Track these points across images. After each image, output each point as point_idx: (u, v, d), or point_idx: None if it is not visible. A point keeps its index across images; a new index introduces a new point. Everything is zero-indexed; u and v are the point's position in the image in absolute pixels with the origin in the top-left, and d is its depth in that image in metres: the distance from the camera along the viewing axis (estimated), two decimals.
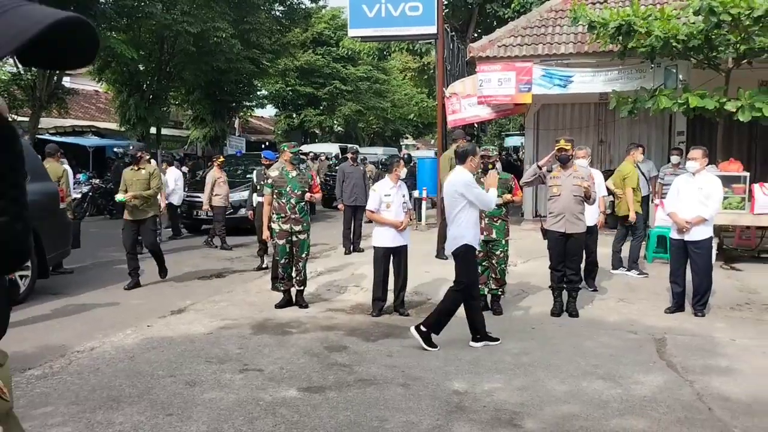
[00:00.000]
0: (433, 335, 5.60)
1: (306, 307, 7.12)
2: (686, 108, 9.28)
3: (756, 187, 9.04)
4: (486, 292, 6.94)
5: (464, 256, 5.64)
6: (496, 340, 5.72)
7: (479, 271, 6.87)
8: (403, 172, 6.87)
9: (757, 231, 10.09)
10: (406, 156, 18.04)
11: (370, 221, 7.28)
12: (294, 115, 33.57)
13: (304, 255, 7.20)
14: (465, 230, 5.60)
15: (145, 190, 8.34)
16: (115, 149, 20.66)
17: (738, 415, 4.18)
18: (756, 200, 8.95)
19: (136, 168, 8.51)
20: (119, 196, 8.42)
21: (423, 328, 5.60)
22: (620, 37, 9.61)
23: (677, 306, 6.71)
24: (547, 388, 4.65)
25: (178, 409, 4.31)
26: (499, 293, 6.94)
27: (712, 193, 6.47)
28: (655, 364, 5.18)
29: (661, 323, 6.39)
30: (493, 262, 6.85)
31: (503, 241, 6.87)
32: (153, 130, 21.77)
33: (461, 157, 5.83)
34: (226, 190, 11.31)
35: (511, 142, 33.09)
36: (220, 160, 12.12)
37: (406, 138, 51.09)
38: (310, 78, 31.75)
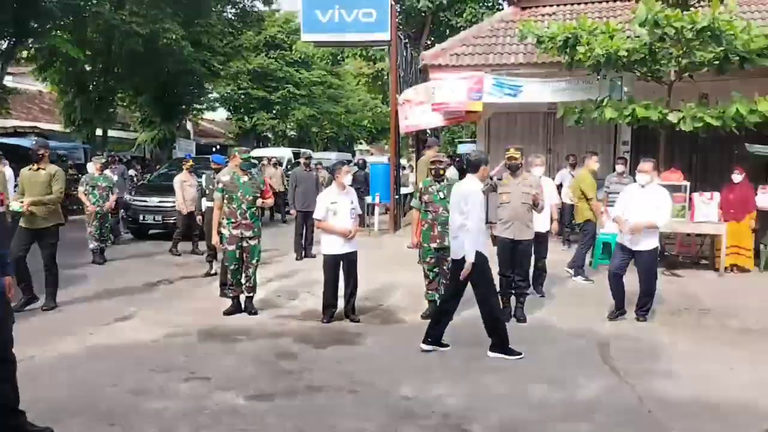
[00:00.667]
0: (509, 346, 5.61)
1: (255, 313, 7.03)
2: (631, 118, 9.56)
3: (696, 196, 9.38)
4: (436, 298, 6.99)
5: (476, 264, 5.62)
6: (446, 346, 5.77)
7: (431, 277, 6.94)
8: (347, 178, 6.81)
9: (697, 238, 10.46)
10: (361, 161, 17.98)
11: None
12: (246, 119, 33.22)
13: (254, 261, 7.12)
14: (475, 237, 5.60)
15: (46, 194, 7.12)
16: (58, 152, 20.02)
17: (676, 417, 4.32)
18: (696, 209, 9.29)
19: (35, 168, 7.21)
20: (14, 204, 6.98)
21: (494, 348, 5.61)
22: (567, 50, 9.85)
23: (619, 311, 6.85)
24: (495, 393, 4.72)
25: (121, 419, 4.20)
26: None
27: (661, 205, 6.64)
28: (598, 369, 5.31)
29: (605, 328, 6.55)
30: (445, 268, 6.89)
31: None
32: (99, 131, 21.20)
33: (474, 166, 5.85)
34: (192, 194, 10.94)
35: (464, 149, 33.43)
36: (189, 163, 11.81)
37: (360, 143, 51.13)
38: (263, 81, 31.48)
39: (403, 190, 15.96)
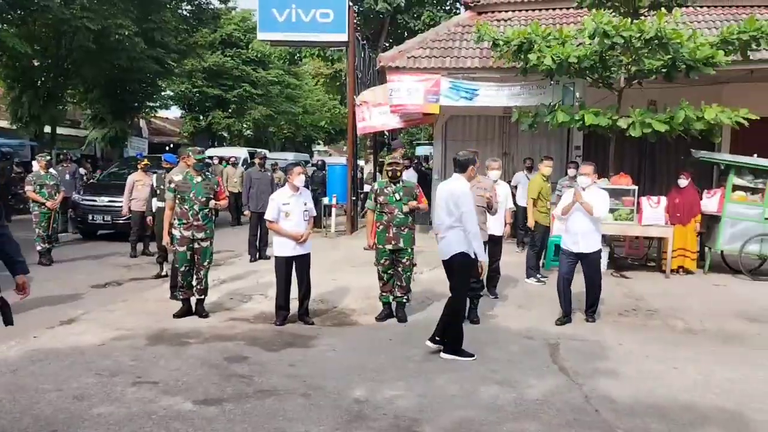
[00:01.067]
0: (461, 347, 5.64)
1: (206, 316, 6.91)
2: (581, 124, 9.77)
3: (644, 199, 9.63)
4: (391, 300, 7.00)
5: (460, 264, 5.64)
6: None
7: (385, 279, 6.94)
8: (300, 179, 6.75)
9: (645, 241, 10.76)
10: (319, 162, 17.89)
11: None
12: (201, 118, 32.70)
13: (206, 263, 7.00)
14: (463, 238, 5.60)
15: None
16: (3, 149, 19.37)
17: (622, 416, 4.41)
18: (643, 212, 9.53)
19: None
20: None
21: (447, 350, 5.61)
22: (521, 55, 9.99)
23: (566, 315, 6.90)
24: (447, 394, 4.74)
25: (63, 425, 4.08)
26: (404, 300, 7.01)
27: (600, 204, 6.77)
28: (548, 369, 5.39)
29: (555, 329, 6.66)
30: (399, 269, 6.91)
31: (409, 249, 6.95)
32: (48, 128, 20.55)
33: (462, 166, 5.83)
34: (146, 194, 10.62)
35: (422, 151, 33.65)
36: (144, 162, 11.50)
37: (319, 144, 50.93)
38: (219, 80, 31.02)
39: (368, 188, 15.96)
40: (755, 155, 9.87)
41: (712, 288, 8.90)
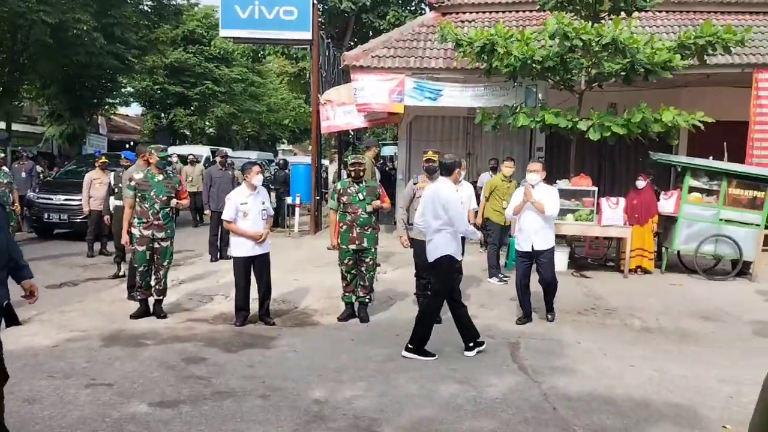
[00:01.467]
0: (425, 347, 5.66)
1: (164, 317, 6.78)
2: (542, 125, 9.88)
3: (603, 200, 9.78)
4: (353, 300, 6.97)
5: (446, 266, 5.66)
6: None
7: (348, 279, 6.91)
8: (258, 178, 6.67)
9: (605, 241, 10.94)
10: (281, 161, 17.75)
11: None
12: (162, 115, 32.15)
13: (165, 263, 6.88)
14: (450, 241, 5.65)
15: None
16: None
17: (579, 413, 4.46)
18: (603, 213, 9.69)
19: None
20: None
21: (409, 349, 5.61)
22: (485, 56, 10.07)
23: (526, 316, 6.95)
24: (407, 394, 4.73)
25: (13, 429, 3.94)
26: (367, 300, 6.99)
27: (550, 200, 6.79)
28: (508, 367, 5.43)
29: (516, 327, 6.73)
30: (362, 269, 6.90)
31: (373, 249, 6.93)
32: (3, 125, 19.95)
33: (449, 169, 5.84)
34: (103, 192, 10.32)
35: (387, 151, 33.66)
36: (102, 160, 11.20)
37: (283, 143, 50.53)
38: (181, 77, 30.52)
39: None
40: (711, 158, 10.13)
41: (668, 287, 9.09)
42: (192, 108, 32.19)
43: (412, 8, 21.36)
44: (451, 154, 6.18)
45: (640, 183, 10.03)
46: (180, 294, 7.85)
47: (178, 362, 5.32)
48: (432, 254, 5.72)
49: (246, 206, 6.51)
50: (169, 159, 7.26)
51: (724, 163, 10.00)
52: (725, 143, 10.13)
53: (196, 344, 5.86)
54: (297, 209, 14.22)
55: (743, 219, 9.71)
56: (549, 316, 7.01)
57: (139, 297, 6.89)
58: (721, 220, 9.75)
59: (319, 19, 14.57)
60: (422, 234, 6.85)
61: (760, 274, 9.68)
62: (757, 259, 9.72)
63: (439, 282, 5.77)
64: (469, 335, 5.79)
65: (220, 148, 16.92)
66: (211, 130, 35.04)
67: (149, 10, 22.50)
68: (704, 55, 9.89)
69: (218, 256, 10.52)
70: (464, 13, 14.09)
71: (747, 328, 7.01)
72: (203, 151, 22.60)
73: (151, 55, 25.17)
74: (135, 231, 6.77)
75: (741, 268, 9.76)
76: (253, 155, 26.52)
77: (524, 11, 13.94)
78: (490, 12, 14.16)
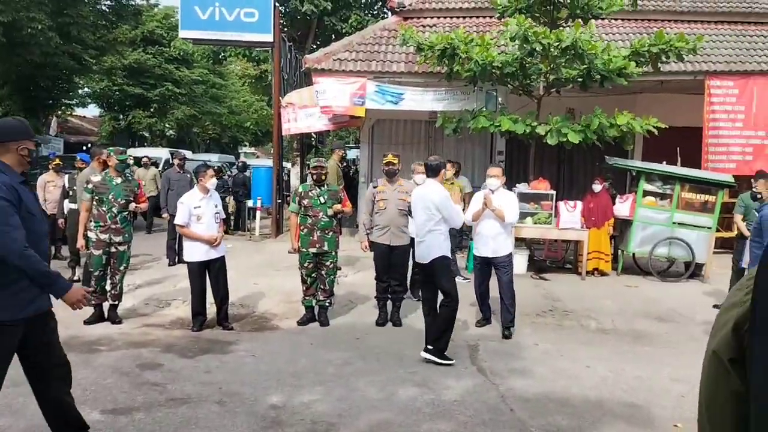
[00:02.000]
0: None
1: (119, 322, 6.64)
2: (501, 130, 10.00)
3: (561, 204, 9.94)
4: (313, 304, 6.94)
5: (443, 266, 5.72)
6: (449, 361, 5.61)
7: (309, 283, 6.86)
8: (212, 182, 6.61)
9: (563, 244, 11.12)
10: (241, 164, 17.57)
11: None
12: (121, 117, 31.52)
13: (122, 267, 6.74)
14: (444, 241, 5.69)
15: None
16: None
17: (535, 414, 4.52)
18: (561, 216, 9.84)
19: None
20: None
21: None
22: (446, 60, 10.15)
23: (485, 319, 6.97)
24: (366, 397, 4.72)
25: None
26: (327, 304, 6.97)
27: (509, 206, 6.71)
28: (467, 370, 5.46)
29: (475, 330, 6.78)
30: (323, 273, 6.87)
31: (334, 253, 6.91)
32: None
33: (435, 171, 5.85)
34: (57, 195, 10.00)
35: (351, 154, 33.61)
36: (55, 162, 10.87)
37: (245, 145, 50.04)
38: (140, 78, 29.97)
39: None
40: (664, 162, 10.39)
41: (624, 289, 9.28)
42: (151, 110, 31.63)
43: (375, 12, 21.42)
44: (436, 156, 6.20)
45: (597, 187, 10.23)
46: (136, 299, 7.70)
47: (133, 368, 5.21)
48: (426, 256, 5.73)
49: (199, 210, 6.43)
50: (128, 162, 7.11)
51: (677, 168, 10.27)
52: (678, 148, 10.41)
53: (152, 350, 5.76)
54: (258, 212, 14.09)
55: (695, 222, 9.98)
56: (506, 332, 6.59)
57: (93, 302, 6.72)
58: (674, 223, 10.00)
59: (281, 22, 14.48)
60: (383, 237, 6.90)
61: (711, 275, 9.96)
62: (708, 261, 10.00)
63: (443, 282, 5.74)
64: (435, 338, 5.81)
65: (180, 151, 16.63)
66: (171, 132, 34.51)
67: (107, 10, 22.06)
68: (658, 62, 10.14)
69: (176, 260, 10.34)
70: (425, 17, 14.17)
71: (698, 328, 7.19)
72: (162, 153, 22.22)
73: (109, 56, 24.69)
74: (91, 234, 6.63)
75: (693, 270, 10.03)
76: (214, 158, 26.22)
77: (484, 17, 14.08)
78: (451, 17, 14.27)
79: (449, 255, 5.81)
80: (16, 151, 3.33)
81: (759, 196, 6.21)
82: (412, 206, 6.00)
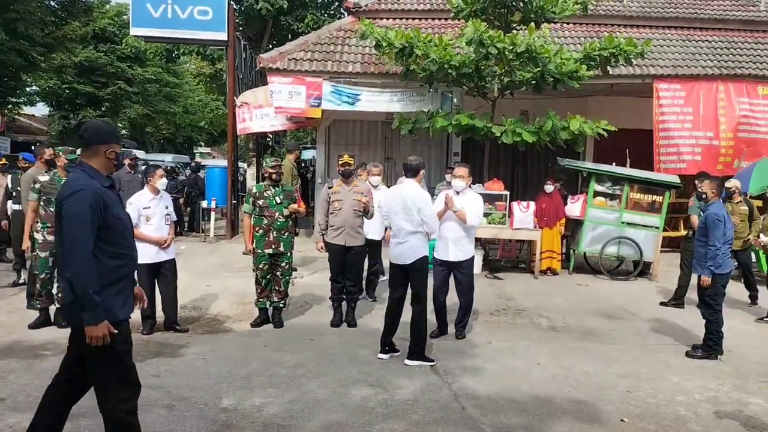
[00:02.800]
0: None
1: (66, 326, 6.44)
2: (458, 127, 10.09)
3: (515, 204, 10.09)
4: (267, 305, 6.87)
5: (424, 267, 5.73)
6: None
7: (263, 284, 6.79)
8: (162, 182, 6.49)
9: (517, 244, 11.29)
10: (194, 164, 17.32)
11: None
12: (71, 116, 30.63)
13: None
14: (425, 242, 5.70)
15: None
16: None
17: (487, 412, 4.57)
18: (515, 216, 10.00)
19: None
20: None
21: (413, 356, 5.64)
22: (404, 58, 10.19)
23: (441, 333, 6.55)
24: (319, 399, 4.70)
25: None
26: (281, 306, 6.90)
27: (473, 208, 6.51)
28: (420, 369, 5.48)
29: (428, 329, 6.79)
30: (278, 274, 6.80)
31: (289, 254, 6.86)
32: None
33: (414, 171, 5.80)
34: (0, 196, 9.58)
35: (308, 154, 33.41)
36: (0, 161, 10.45)
37: (200, 145, 49.25)
38: (91, 76, 29.20)
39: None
40: (614, 164, 10.66)
41: (575, 287, 9.48)
42: (103, 108, 30.82)
43: (331, 12, 21.29)
44: (415, 156, 6.13)
45: (549, 187, 10.43)
46: None
47: None
48: (409, 257, 5.69)
49: (149, 210, 6.30)
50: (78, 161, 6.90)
51: (626, 169, 10.53)
52: (627, 150, 10.69)
53: None
54: (212, 213, 13.89)
55: (644, 222, 10.27)
56: (458, 334, 6.52)
57: (39, 306, 6.53)
58: (623, 223, 10.27)
59: (236, 20, 14.32)
60: (338, 238, 6.87)
61: (659, 274, 10.25)
62: (656, 259, 10.29)
63: (419, 283, 5.75)
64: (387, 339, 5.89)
65: (132, 151, 16.27)
66: (123, 131, 33.72)
67: (56, 6, 21.43)
68: (608, 66, 10.40)
69: None
70: (382, 18, 14.20)
71: (645, 325, 7.40)
72: None
73: (58, 53, 23.97)
74: (38, 236, 6.44)
75: (642, 269, 10.31)
76: (168, 158, 25.73)
77: (440, 19, 14.21)
78: (407, 19, 14.34)
79: (428, 255, 5.83)
80: (104, 155, 3.35)
81: (704, 196, 6.39)
82: (388, 206, 5.90)
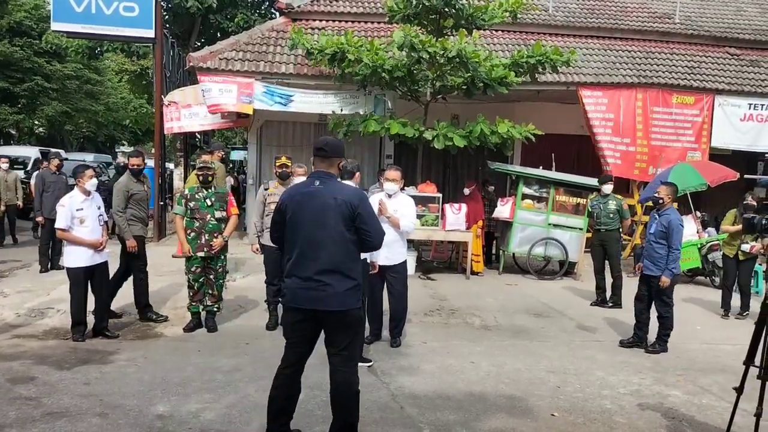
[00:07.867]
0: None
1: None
2: (390, 133, 10.21)
3: (447, 206, 10.29)
4: (200, 310, 6.75)
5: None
6: (368, 361, 5.71)
7: (196, 288, 6.66)
8: (91, 183, 6.27)
9: (450, 245, 11.50)
10: (120, 164, 16.71)
11: None
12: None
13: None
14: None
15: None
16: None
17: (424, 410, 4.67)
18: (447, 218, 10.19)
19: None
20: None
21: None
22: (336, 63, 10.22)
23: (375, 337, 6.48)
24: (256, 403, 4.67)
25: None
26: (215, 309, 6.80)
27: (406, 212, 6.44)
28: (358, 369, 5.51)
29: (366, 330, 6.84)
30: (211, 277, 6.70)
31: (223, 257, 6.77)
32: None
33: (350, 174, 5.82)
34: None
35: (237, 155, 32.84)
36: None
37: (123, 144, 47.55)
38: (6, 71, 27.67)
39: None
40: (541, 167, 11.04)
41: (505, 287, 9.76)
42: (19, 105, 29.26)
43: (262, 12, 21.09)
44: (351, 159, 6.24)
45: (467, 191, 10.83)
46: (5, 308, 7.15)
47: (3, 383, 4.85)
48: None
49: (82, 212, 6.08)
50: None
51: (552, 173, 10.93)
52: (553, 154, 11.08)
53: (24, 362, 5.38)
54: None
55: (568, 224, 10.68)
56: (394, 343, 6.37)
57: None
58: (549, 224, 10.65)
59: (163, 17, 13.94)
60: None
61: (582, 273, 10.69)
62: (580, 260, 10.72)
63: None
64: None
65: (52, 150, 15.51)
66: (41, 129, 32.16)
67: None
68: (535, 73, 10.77)
69: (49, 267, 9.71)
70: (314, 20, 14.17)
71: (571, 322, 7.72)
72: (31, 152, 20.64)
73: None
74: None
75: (567, 269, 10.72)
76: (89, 157, 24.75)
77: (373, 23, 14.30)
78: (340, 21, 14.37)
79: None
80: (336, 167, 3.89)
81: (660, 201, 6.71)
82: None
